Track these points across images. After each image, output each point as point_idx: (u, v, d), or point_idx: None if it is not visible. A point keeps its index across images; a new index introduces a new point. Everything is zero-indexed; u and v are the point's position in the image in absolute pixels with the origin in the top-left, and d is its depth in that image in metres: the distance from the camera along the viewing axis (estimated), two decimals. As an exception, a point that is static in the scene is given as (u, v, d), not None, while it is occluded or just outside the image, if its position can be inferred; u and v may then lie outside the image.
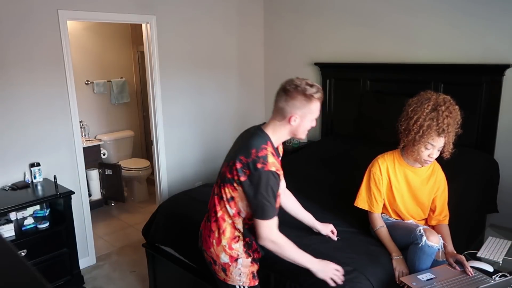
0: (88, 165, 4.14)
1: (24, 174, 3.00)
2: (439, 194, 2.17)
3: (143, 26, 3.63)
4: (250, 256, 1.71)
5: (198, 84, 4.09)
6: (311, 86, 1.56)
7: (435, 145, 1.98)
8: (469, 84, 3.13)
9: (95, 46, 4.80)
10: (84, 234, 3.36)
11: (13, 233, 2.68)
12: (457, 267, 1.85)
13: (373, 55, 3.68)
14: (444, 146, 2.01)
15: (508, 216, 3.04)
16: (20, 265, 0.76)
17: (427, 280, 1.78)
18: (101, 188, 4.64)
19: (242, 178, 1.54)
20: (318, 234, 2.24)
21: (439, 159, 2.19)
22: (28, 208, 2.89)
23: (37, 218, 2.91)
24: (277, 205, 1.59)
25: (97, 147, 4.58)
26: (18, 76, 2.87)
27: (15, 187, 2.87)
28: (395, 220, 2.22)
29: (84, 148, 3.53)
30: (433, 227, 2.17)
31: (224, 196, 1.63)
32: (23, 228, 2.78)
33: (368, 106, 3.67)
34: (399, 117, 2.13)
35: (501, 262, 1.92)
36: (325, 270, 1.69)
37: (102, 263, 3.43)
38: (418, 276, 1.81)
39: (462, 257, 1.88)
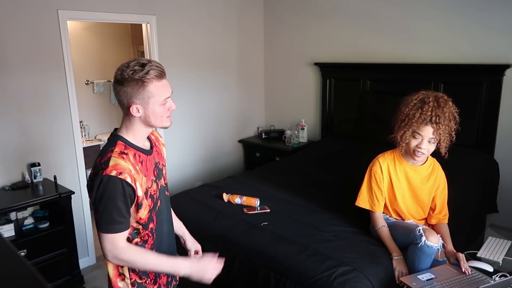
0: (88, 165, 4.14)
1: (24, 174, 3.00)
2: (439, 192, 2.17)
3: (143, 26, 3.63)
4: None
5: (198, 84, 4.09)
6: (142, 66, 1.28)
7: (423, 135, 1.98)
8: (469, 84, 3.13)
9: (95, 46, 4.80)
10: (84, 234, 3.36)
11: (13, 233, 2.68)
12: (463, 270, 1.83)
13: (373, 55, 3.68)
14: (439, 141, 2.01)
15: (508, 216, 3.04)
16: (20, 265, 0.76)
17: (427, 280, 1.78)
18: (101, 188, 4.63)
19: (90, 194, 1.30)
20: (318, 234, 2.24)
21: (439, 159, 2.20)
22: (28, 208, 2.89)
23: (37, 218, 2.91)
24: (121, 216, 1.29)
25: (97, 147, 4.57)
26: (18, 76, 2.87)
27: (15, 187, 2.87)
28: (395, 220, 2.22)
29: (84, 148, 3.53)
30: (432, 227, 2.18)
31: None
32: (23, 228, 2.78)
33: (368, 106, 3.67)
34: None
35: (501, 262, 1.92)
36: (200, 269, 1.41)
37: (102, 263, 3.43)
38: (418, 276, 1.81)
39: (459, 255, 1.88)
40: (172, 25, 3.75)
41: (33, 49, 2.91)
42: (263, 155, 4.33)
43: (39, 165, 3.00)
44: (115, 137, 1.37)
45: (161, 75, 1.33)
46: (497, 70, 2.99)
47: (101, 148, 1.39)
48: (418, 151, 2.02)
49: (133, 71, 1.28)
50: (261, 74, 4.72)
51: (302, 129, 4.23)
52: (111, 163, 1.27)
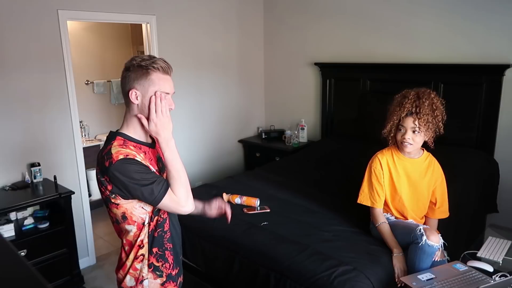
0: (88, 165, 4.14)
1: (24, 174, 3.00)
2: (438, 185, 2.20)
3: (143, 26, 3.63)
4: (159, 276, 1.45)
5: (198, 84, 4.09)
6: (151, 58, 1.35)
7: (405, 126, 2.08)
8: (469, 84, 3.13)
9: (95, 46, 4.79)
10: (84, 234, 3.36)
11: (13, 233, 2.68)
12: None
13: (373, 55, 3.68)
14: (424, 132, 2.06)
15: (508, 216, 3.04)
16: (20, 265, 0.76)
17: (427, 280, 1.78)
18: (101, 188, 4.63)
19: (109, 187, 1.31)
20: (318, 234, 2.24)
21: (439, 158, 2.20)
22: (28, 208, 2.89)
23: (37, 218, 2.91)
24: (158, 176, 1.35)
25: (97, 147, 4.57)
26: (18, 76, 2.87)
27: (15, 187, 2.87)
28: (395, 219, 2.23)
29: (84, 148, 3.53)
30: (425, 220, 2.22)
31: (117, 219, 1.39)
32: (23, 228, 2.78)
33: (368, 106, 3.67)
34: None
35: (501, 262, 1.92)
36: (160, 123, 1.34)
37: (102, 263, 3.43)
38: (418, 276, 1.81)
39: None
40: (172, 25, 3.75)
41: (33, 49, 2.91)
42: (263, 155, 4.33)
43: (39, 165, 3.00)
44: (114, 133, 1.39)
45: (167, 70, 1.36)
46: (497, 70, 2.99)
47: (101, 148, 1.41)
48: (404, 142, 2.10)
49: (141, 60, 1.34)
50: (261, 74, 4.72)
51: (302, 129, 4.22)
52: (113, 151, 1.30)
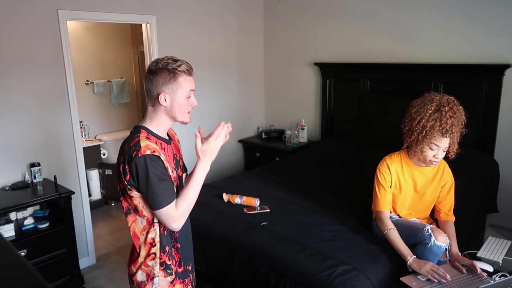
0: (88, 165, 4.14)
1: (24, 174, 3.00)
2: (446, 188, 2.16)
3: (143, 26, 3.63)
4: (170, 274, 1.50)
5: (198, 84, 4.05)
6: (175, 61, 1.44)
7: (440, 146, 1.96)
8: (469, 84, 3.13)
9: (95, 46, 4.80)
10: (84, 234, 3.36)
11: (13, 233, 2.68)
12: (464, 270, 1.82)
13: (373, 55, 3.68)
14: (449, 147, 2.00)
15: (508, 216, 3.04)
16: (20, 265, 0.76)
17: (427, 280, 1.78)
18: (101, 188, 4.64)
19: (127, 177, 1.36)
20: (318, 233, 2.24)
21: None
22: (28, 208, 2.89)
23: (37, 218, 2.91)
24: (170, 186, 1.41)
25: (97, 147, 4.57)
26: (18, 76, 2.87)
27: (15, 187, 2.87)
28: (398, 218, 2.22)
29: (84, 148, 3.53)
30: (438, 225, 2.19)
31: (129, 208, 1.45)
32: (23, 228, 2.78)
33: (368, 106, 3.67)
34: (403, 118, 2.12)
35: (501, 262, 1.92)
36: (212, 150, 1.57)
37: (102, 263, 3.43)
38: (418, 276, 1.82)
39: (471, 261, 1.84)
40: (172, 25, 3.75)
41: (33, 49, 2.91)
42: (263, 155, 4.33)
43: (39, 165, 3.00)
44: (138, 127, 1.47)
45: (190, 71, 1.49)
46: (497, 70, 2.99)
47: (121, 142, 1.49)
48: (434, 161, 2.01)
49: (167, 63, 1.43)
50: (261, 74, 4.72)
51: (302, 129, 4.23)
52: (142, 144, 1.36)
